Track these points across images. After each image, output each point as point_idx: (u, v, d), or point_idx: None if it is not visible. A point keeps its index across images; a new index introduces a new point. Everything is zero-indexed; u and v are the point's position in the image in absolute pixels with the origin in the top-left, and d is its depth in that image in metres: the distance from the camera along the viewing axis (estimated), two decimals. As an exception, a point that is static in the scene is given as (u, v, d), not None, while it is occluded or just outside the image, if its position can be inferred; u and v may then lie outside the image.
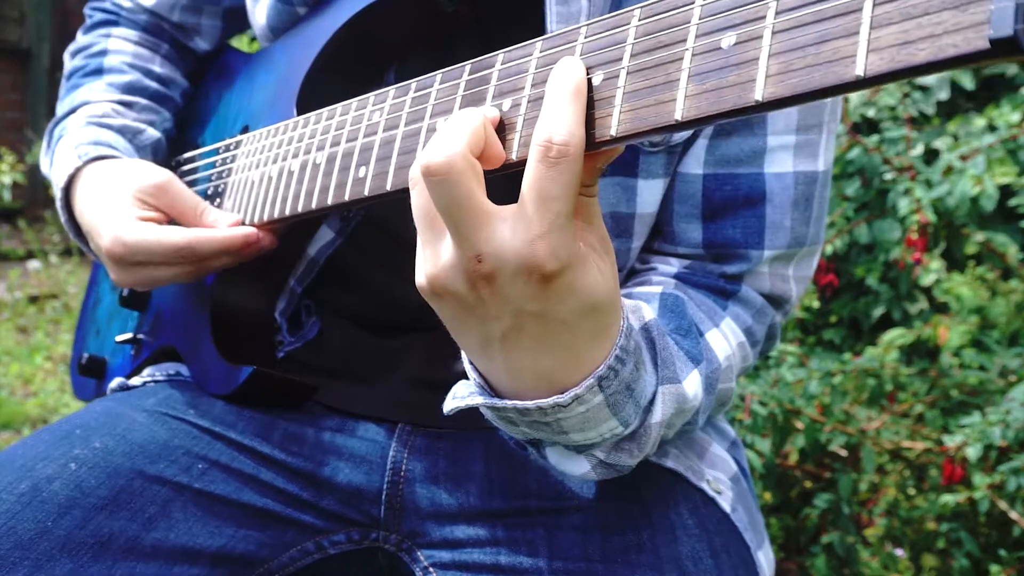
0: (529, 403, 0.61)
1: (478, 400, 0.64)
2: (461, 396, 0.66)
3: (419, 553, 0.87)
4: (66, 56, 1.18)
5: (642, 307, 0.73)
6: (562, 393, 0.61)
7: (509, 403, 0.62)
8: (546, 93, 0.54)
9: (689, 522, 0.81)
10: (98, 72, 1.10)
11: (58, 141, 1.03)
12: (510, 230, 0.54)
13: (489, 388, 0.65)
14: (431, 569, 0.85)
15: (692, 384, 0.74)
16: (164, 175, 0.93)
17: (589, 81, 0.54)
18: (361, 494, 0.89)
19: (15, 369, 3.71)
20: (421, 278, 0.59)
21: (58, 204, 0.99)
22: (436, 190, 0.54)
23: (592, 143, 0.54)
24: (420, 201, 0.57)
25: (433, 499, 0.88)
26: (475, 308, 0.58)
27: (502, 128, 0.59)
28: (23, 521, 0.74)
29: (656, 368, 0.70)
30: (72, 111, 1.06)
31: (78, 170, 0.96)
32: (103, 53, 1.12)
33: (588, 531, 0.80)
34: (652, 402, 0.69)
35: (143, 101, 1.10)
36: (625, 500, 0.82)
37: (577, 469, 0.72)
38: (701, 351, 0.78)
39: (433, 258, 0.58)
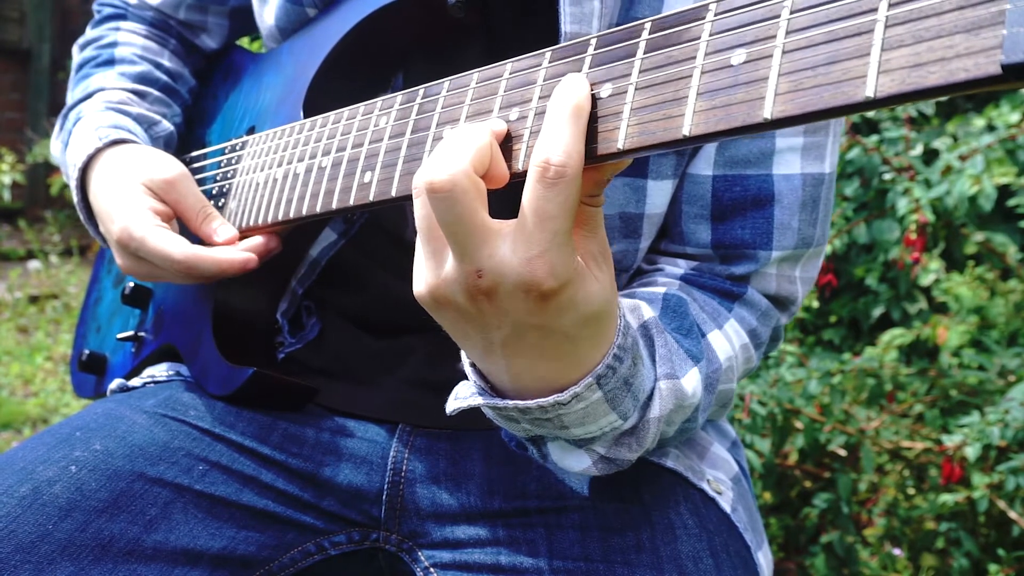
0: (530, 402, 0.62)
1: (479, 401, 0.65)
2: (463, 397, 0.67)
3: (420, 553, 0.87)
4: (75, 49, 1.17)
5: (641, 306, 0.74)
6: (562, 392, 0.62)
7: (511, 403, 0.63)
8: (547, 112, 0.54)
9: (689, 522, 0.81)
10: (109, 63, 1.10)
11: (75, 124, 1.02)
12: (510, 248, 0.55)
13: (490, 388, 0.66)
14: (432, 569, 0.85)
15: (691, 381, 0.74)
16: (175, 170, 0.93)
17: (596, 96, 0.54)
18: (362, 495, 0.89)
19: (15, 369, 3.70)
20: (421, 288, 0.59)
21: (72, 185, 0.98)
22: (439, 206, 0.54)
23: (598, 156, 0.54)
24: (423, 213, 0.58)
25: (434, 499, 0.88)
26: (476, 319, 0.58)
27: (508, 139, 0.59)
28: (24, 524, 0.74)
29: (654, 364, 0.71)
30: (88, 96, 1.05)
31: (98, 151, 0.96)
32: (113, 44, 1.12)
33: (588, 531, 0.80)
34: (651, 397, 0.70)
35: (155, 92, 1.10)
36: (625, 500, 0.82)
37: (578, 465, 0.72)
38: (702, 350, 0.78)
39: (434, 269, 0.58)
